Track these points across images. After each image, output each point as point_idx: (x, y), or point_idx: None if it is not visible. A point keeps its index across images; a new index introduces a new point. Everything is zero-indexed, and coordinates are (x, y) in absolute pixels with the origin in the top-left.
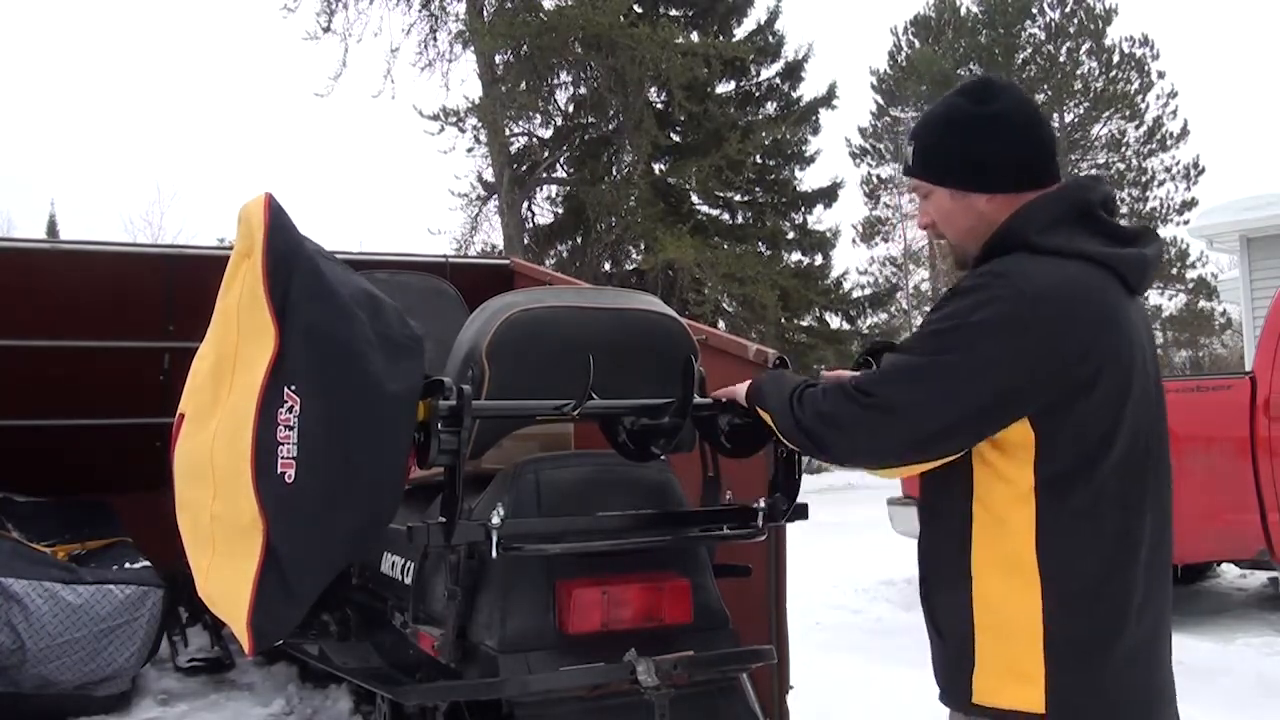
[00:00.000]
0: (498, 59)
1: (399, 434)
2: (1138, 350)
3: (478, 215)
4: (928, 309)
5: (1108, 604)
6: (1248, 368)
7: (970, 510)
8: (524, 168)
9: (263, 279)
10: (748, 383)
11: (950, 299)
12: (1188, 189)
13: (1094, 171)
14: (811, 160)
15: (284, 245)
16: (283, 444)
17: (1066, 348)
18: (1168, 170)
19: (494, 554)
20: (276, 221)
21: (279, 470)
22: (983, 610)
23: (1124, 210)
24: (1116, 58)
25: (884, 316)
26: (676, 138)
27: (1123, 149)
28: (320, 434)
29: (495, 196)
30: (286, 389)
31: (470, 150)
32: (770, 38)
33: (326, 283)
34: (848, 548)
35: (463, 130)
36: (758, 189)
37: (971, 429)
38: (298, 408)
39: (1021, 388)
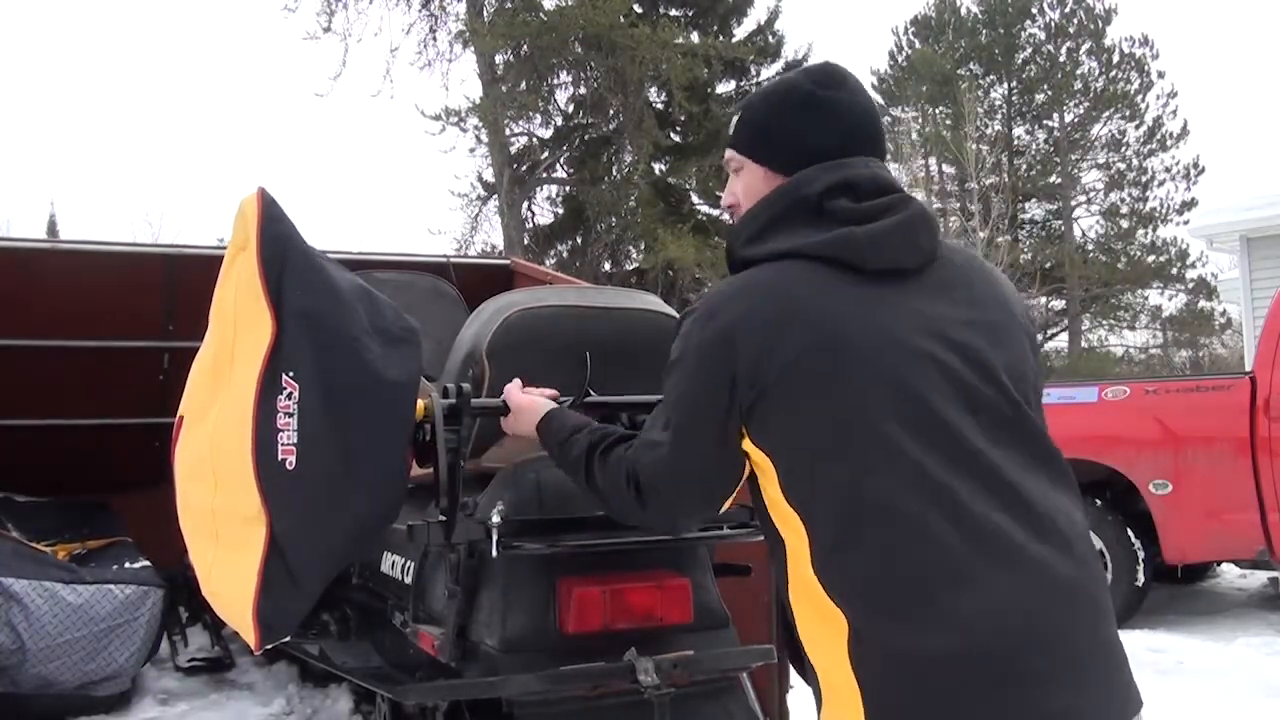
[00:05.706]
0: (498, 59)
1: (399, 421)
2: (870, 335)
3: (478, 215)
4: None
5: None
6: (1248, 368)
7: (784, 559)
8: (524, 168)
9: (258, 268)
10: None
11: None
12: (1188, 189)
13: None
14: None
15: (278, 234)
16: (282, 431)
17: (742, 358)
18: (1168, 170)
19: (494, 553)
20: (270, 212)
21: (280, 457)
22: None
23: (1124, 210)
24: (1116, 58)
25: None
26: (677, 138)
27: (1123, 149)
28: (320, 420)
29: (495, 196)
30: (285, 375)
31: (471, 150)
32: (770, 38)
33: (322, 271)
34: None
35: (463, 130)
36: None
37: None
38: (296, 394)
39: (717, 407)
